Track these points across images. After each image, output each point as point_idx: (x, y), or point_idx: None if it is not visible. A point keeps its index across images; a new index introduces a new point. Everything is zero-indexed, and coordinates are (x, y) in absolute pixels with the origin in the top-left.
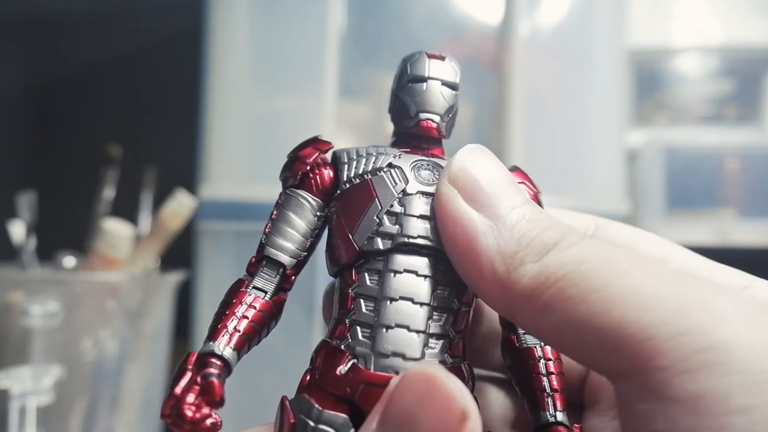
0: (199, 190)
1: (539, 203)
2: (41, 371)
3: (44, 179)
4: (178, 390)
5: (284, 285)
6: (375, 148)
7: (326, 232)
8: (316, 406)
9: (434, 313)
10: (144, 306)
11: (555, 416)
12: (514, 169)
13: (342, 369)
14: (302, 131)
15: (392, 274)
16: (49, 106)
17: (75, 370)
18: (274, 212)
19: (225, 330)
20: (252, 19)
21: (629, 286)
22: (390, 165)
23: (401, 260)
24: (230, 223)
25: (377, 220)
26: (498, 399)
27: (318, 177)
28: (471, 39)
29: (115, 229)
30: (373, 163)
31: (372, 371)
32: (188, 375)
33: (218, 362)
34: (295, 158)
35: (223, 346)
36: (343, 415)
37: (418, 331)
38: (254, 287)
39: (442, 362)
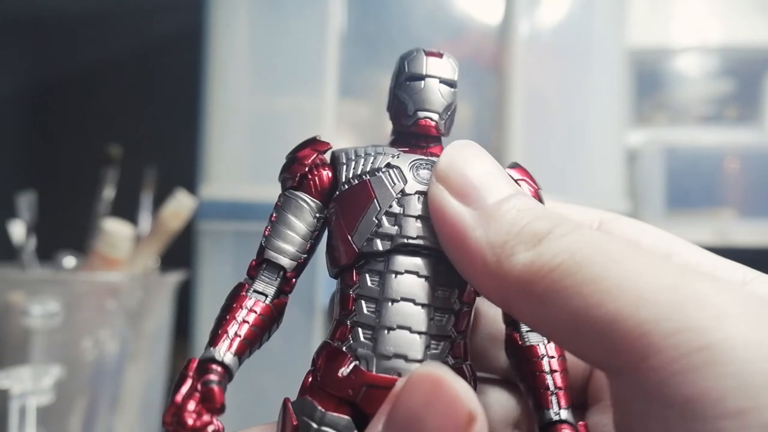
0: (199, 190)
1: (540, 200)
2: (41, 371)
3: (44, 179)
4: (179, 398)
5: (285, 288)
6: (374, 148)
7: (326, 233)
8: (319, 408)
9: (435, 314)
10: (144, 306)
11: (559, 414)
12: (515, 166)
13: (344, 371)
14: (302, 131)
15: (393, 275)
16: (49, 107)
17: (75, 370)
18: (274, 215)
19: (225, 335)
20: (252, 19)
21: (626, 278)
22: (388, 165)
23: (402, 261)
24: (230, 223)
25: (376, 221)
26: (499, 399)
27: (317, 178)
28: (471, 39)
29: (115, 229)
30: (372, 163)
31: (374, 373)
32: (189, 382)
33: (219, 368)
34: (294, 159)
35: (224, 352)
36: (346, 417)
37: (419, 333)
38: (255, 291)
39: (444, 363)
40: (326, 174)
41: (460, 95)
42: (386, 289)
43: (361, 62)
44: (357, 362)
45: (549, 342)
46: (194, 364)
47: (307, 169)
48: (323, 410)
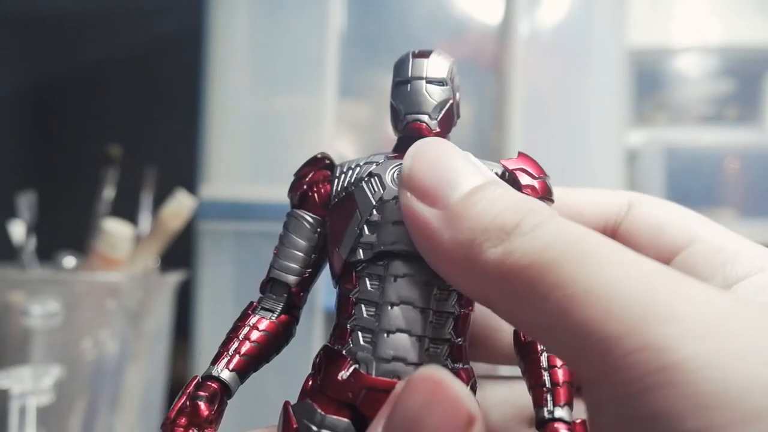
0: (199, 190)
1: (546, 189)
2: (41, 371)
3: (44, 179)
4: (172, 413)
5: (295, 302)
6: (369, 157)
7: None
8: (319, 411)
9: (435, 317)
10: (144, 306)
11: (553, 412)
12: (518, 155)
13: (343, 374)
14: (302, 131)
15: (392, 279)
16: (49, 106)
17: (75, 370)
18: (281, 234)
19: (226, 353)
20: (252, 19)
21: (594, 285)
22: (370, 174)
23: (401, 265)
24: (230, 223)
25: (358, 231)
26: (511, 396)
27: (316, 195)
28: (471, 39)
29: (115, 229)
30: (357, 174)
31: (374, 376)
32: (184, 398)
33: (213, 385)
34: (296, 178)
35: (221, 369)
36: (346, 420)
37: (419, 336)
38: (263, 308)
39: (444, 366)
40: (325, 189)
41: (461, 95)
42: (386, 293)
43: (361, 62)
44: (357, 365)
45: None
46: (194, 382)
47: (306, 186)
48: (323, 413)
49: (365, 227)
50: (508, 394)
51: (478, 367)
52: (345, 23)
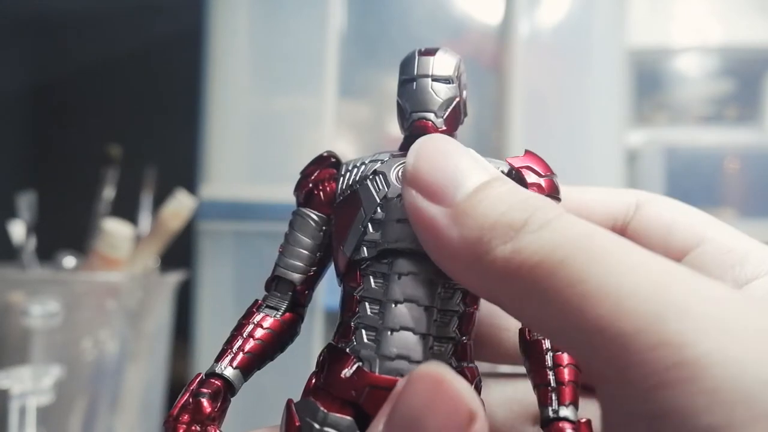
0: (199, 190)
1: (553, 187)
2: (41, 371)
3: (44, 179)
4: (174, 410)
5: (300, 300)
6: (374, 155)
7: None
8: (322, 408)
9: (439, 315)
10: (144, 306)
11: (558, 411)
12: (525, 153)
13: (347, 372)
14: (302, 131)
15: (397, 277)
16: (50, 106)
17: (75, 370)
18: (286, 232)
19: (230, 351)
20: (252, 19)
21: (606, 282)
22: (375, 172)
23: (406, 263)
24: (230, 223)
25: (362, 229)
26: (517, 395)
27: (321, 193)
28: (471, 39)
29: (115, 229)
30: (362, 172)
31: (377, 374)
32: (187, 395)
33: (216, 382)
34: (302, 177)
35: (225, 366)
36: (348, 418)
37: (423, 334)
38: (267, 306)
39: (448, 365)
40: (330, 187)
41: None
42: (390, 291)
43: (361, 62)
44: (360, 363)
45: None
46: (198, 379)
47: (311, 185)
48: (326, 411)
49: (369, 225)
50: (513, 392)
51: (482, 366)
52: (345, 23)
